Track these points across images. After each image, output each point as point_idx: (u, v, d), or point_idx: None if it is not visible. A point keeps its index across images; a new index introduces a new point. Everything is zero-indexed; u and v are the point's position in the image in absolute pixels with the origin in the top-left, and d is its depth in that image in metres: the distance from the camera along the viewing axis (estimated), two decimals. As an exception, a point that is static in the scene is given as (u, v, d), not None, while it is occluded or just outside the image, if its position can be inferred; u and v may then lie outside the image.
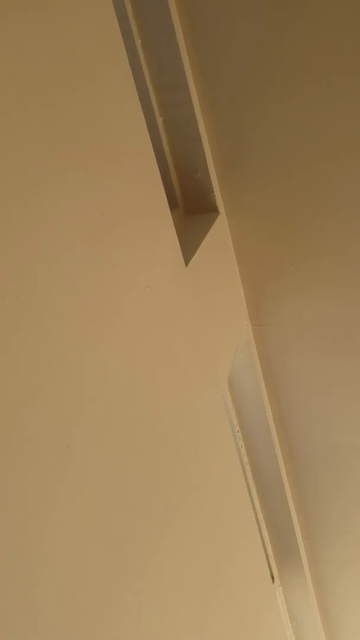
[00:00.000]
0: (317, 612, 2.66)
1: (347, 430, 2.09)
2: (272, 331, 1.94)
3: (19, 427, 0.71)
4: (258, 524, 2.31)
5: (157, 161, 1.23)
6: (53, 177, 0.84)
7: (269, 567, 2.46)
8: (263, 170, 1.64)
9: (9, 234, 0.73)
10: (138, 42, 1.43)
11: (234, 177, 1.67)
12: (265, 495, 2.29)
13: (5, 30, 0.76)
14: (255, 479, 2.25)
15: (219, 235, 1.68)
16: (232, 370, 1.96)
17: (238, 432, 2.13)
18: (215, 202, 1.67)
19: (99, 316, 0.93)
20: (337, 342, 1.90)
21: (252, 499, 2.25)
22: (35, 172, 0.79)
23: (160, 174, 1.25)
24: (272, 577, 2.50)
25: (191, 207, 1.68)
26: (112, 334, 0.97)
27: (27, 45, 0.81)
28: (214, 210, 1.68)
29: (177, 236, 1.32)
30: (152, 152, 1.21)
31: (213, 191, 1.65)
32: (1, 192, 0.72)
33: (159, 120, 1.54)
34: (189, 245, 1.47)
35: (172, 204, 1.55)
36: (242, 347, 1.91)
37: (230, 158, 1.64)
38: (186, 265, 1.37)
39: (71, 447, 0.82)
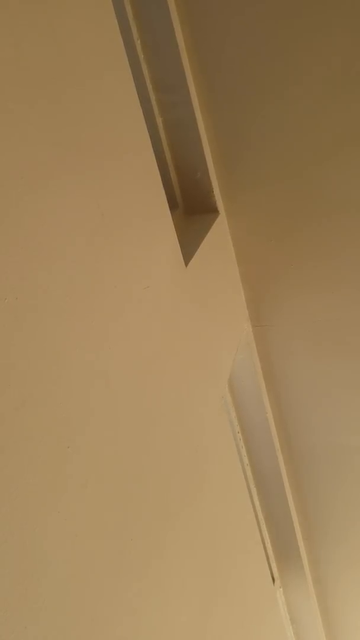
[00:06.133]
0: (317, 612, 2.66)
1: (347, 431, 2.09)
2: (272, 331, 1.93)
3: (19, 428, 0.71)
4: (258, 524, 2.31)
5: (157, 162, 1.23)
6: (53, 177, 0.84)
7: (270, 568, 2.45)
8: (263, 170, 1.64)
9: (9, 233, 0.73)
10: (138, 42, 1.43)
11: (233, 178, 1.67)
12: (266, 496, 2.29)
13: (4, 31, 0.76)
14: (255, 480, 2.25)
15: (219, 235, 1.68)
16: (233, 370, 1.96)
17: (238, 432, 2.13)
18: (215, 203, 1.67)
19: (99, 316, 0.93)
20: (337, 343, 1.90)
21: (252, 500, 2.25)
22: (35, 172, 0.79)
23: (160, 174, 1.25)
24: (273, 578, 2.49)
25: (191, 208, 1.68)
26: (112, 334, 0.97)
27: (26, 46, 0.81)
28: (214, 211, 1.68)
29: (177, 236, 1.32)
30: (152, 153, 1.21)
31: (213, 191, 1.65)
32: (2, 192, 0.72)
33: (159, 121, 1.54)
34: (188, 246, 1.47)
35: (172, 204, 1.55)
36: (243, 348, 1.91)
37: (230, 158, 1.64)
38: (186, 265, 1.37)
39: (71, 448, 0.82)
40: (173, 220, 1.30)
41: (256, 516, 2.28)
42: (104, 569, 0.88)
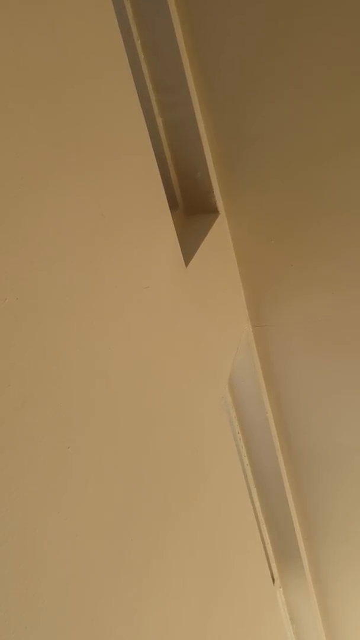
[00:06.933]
0: (317, 612, 2.66)
1: (347, 431, 2.09)
2: (272, 332, 1.93)
3: (20, 428, 0.71)
4: (259, 525, 2.31)
5: (157, 162, 1.23)
6: (53, 177, 0.84)
7: (270, 568, 2.45)
8: (263, 170, 1.64)
9: (9, 234, 0.73)
10: (138, 42, 1.43)
11: (233, 178, 1.67)
12: (266, 496, 2.29)
13: (4, 31, 0.76)
14: (255, 480, 2.25)
15: (219, 235, 1.68)
16: (233, 370, 1.96)
17: (238, 433, 2.13)
18: (215, 203, 1.67)
19: (99, 316, 0.93)
20: (337, 343, 1.90)
21: (252, 500, 2.25)
22: (35, 172, 0.79)
23: (160, 174, 1.25)
24: (273, 578, 2.49)
25: (191, 208, 1.68)
26: (112, 335, 0.97)
27: (26, 46, 0.81)
28: (214, 211, 1.68)
29: (177, 237, 1.32)
30: (152, 153, 1.21)
31: (213, 192, 1.65)
32: (2, 192, 0.72)
33: (159, 121, 1.54)
34: (189, 246, 1.47)
35: (172, 204, 1.55)
36: (243, 348, 1.91)
37: (230, 158, 1.64)
38: (186, 265, 1.37)
39: (71, 448, 0.82)
40: (173, 220, 1.30)
41: (256, 516, 2.28)
42: (104, 569, 0.88)
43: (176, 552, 1.16)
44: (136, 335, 1.06)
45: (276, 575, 2.53)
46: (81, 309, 0.88)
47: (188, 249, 1.44)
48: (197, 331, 1.40)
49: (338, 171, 1.59)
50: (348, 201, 1.63)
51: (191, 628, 1.21)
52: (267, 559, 2.41)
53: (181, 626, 1.16)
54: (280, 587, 2.56)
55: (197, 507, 1.29)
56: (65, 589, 0.78)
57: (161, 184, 1.25)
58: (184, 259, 1.36)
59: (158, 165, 1.24)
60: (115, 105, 1.07)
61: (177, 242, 1.32)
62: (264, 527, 2.36)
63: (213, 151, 1.63)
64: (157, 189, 1.24)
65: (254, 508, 2.26)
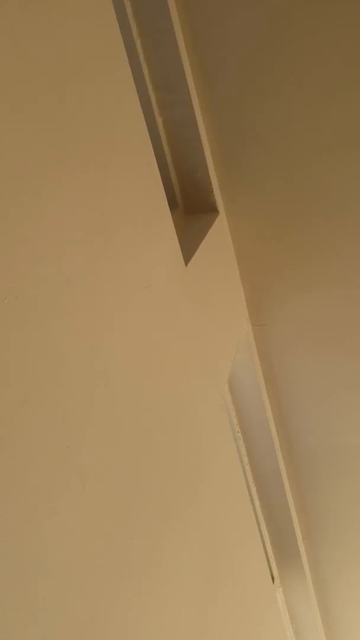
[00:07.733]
0: (317, 612, 2.66)
1: (347, 431, 2.09)
2: (272, 331, 1.93)
3: (19, 427, 0.71)
4: (258, 524, 2.31)
5: (156, 161, 1.23)
6: (53, 177, 0.84)
7: (269, 567, 2.45)
8: (263, 170, 1.64)
9: (9, 233, 0.73)
10: (138, 42, 1.43)
11: (233, 177, 1.67)
12: (266, 496, 2.29)
13: (4, 31, 0.76)
14: (255, 480, 2.25)
15: (219, 235, 1.68)
16: (232, 370, 1.96)
17: (238, 432, 2.13)
18: (215, 202, 1.67)
19: (99, 316, 0.93)
20: (337, 342, 1.90)
21: (252, 500, 2.25)
22: (35, 172, 0.79)
23: (160, 174, 1.25)
24: (273, 578, 2.49)
25: (191, 207, 1.68)
26: (112, 334, 0.97)
27: (26, 45, 0.81)
28: (214, 210, 1.68)
29: (177, 236, 1.32)
30: (152, 152, 1.21)
31: (213, 191, 1.65)
32: (2, 192, 0.72)
33: (159, 120, 1.54)
34: (188, 245, 1.47)
35: (172, 203, 1.55)
36: (242, 348, 1.91)
37: (230, 158, 1.64)
38: (186, 265, 1.37)
39: (71, 447, 0.82)
40: (173, 219, 1.30)
41: (256, 516, 2.28)
42: (103, 568, 0.88)
43: (176, 551, 1.16)
44: (136, 335, 1.06)
45: (276, 575, 2.53)
46: (81, 308, 0.88)
47: (188, 248, 1.44)
48: (196, 330, 1.40)
49: (338, 171, 1.59)
50: (348, 200, 1.63)
51: (191, 627, 1.21)
52: (267, 558, 2.41)
53: (181, 626, 1.16)
54: (279, 587, 2.56)
55: (197, 506, 1.29)
56: (64, 589, 0.78)
57: (161, 183, 1.25)
58: (184, 258, 1.36)
59: (158, 164, 1.24)
60: (115, 104, 1.06)
61: (177, 241, 1.32)
62: (263, 527, 2.36)
63: (213, 150, 1.63)
64: (157, 188, 1.23)
65: (254, 507, 2.27)
